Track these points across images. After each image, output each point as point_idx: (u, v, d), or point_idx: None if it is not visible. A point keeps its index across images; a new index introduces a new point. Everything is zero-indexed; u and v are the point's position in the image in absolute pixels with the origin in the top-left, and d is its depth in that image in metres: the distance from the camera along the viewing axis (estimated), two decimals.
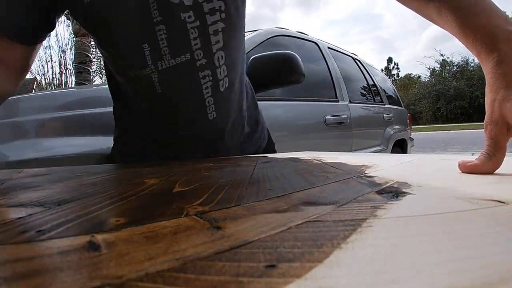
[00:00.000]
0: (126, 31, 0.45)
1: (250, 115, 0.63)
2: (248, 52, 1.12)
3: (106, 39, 0.48)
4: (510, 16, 0.35)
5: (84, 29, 0.48)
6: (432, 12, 0.37)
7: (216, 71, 0.48)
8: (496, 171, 0.29)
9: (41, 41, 0.51)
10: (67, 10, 0.49)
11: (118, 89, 0.55)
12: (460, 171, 0.30)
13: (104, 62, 0.55)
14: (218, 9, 0.45)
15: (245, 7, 0.52)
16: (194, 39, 0.45)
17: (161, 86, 0.47)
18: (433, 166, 0.35)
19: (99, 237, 0.13)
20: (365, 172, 0.31)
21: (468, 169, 0.29)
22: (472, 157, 0.31)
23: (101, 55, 0.52)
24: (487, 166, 0.29)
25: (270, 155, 0.58)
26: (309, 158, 0.48)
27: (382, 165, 0.36)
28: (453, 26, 0.35)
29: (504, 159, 0.29)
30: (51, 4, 0.46)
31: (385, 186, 0.23)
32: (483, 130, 0.31)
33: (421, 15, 0.40)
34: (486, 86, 0.31)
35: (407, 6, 0.42)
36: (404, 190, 0.22)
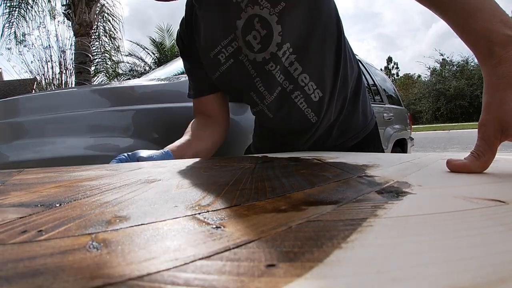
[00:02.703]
0: (241, 88, 0.67)
1: (363, 110, 0.72)
2: None
3: (231, 98, 0.76)
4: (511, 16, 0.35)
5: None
6: (439, 14, 0.39)
7: (304, 89, 0.63)
8: (496, 171, 0.29)
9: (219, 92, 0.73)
10: None
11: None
12: (448, 170, 0.30)
13: None
14: (287, 49, 0.59)
15: (320, 19, 0.60)
16: (279, 76, 0.62)
17: (271, 113, 0.66)
18: (433, 166, 0.35)
19: (100, 237, 0.13)
20: (365, 171, 0.31)
21: (456, 167, 0.30)
22: (461, 156, 0.31)
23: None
24: (475, 165, 0.29)
25: (270, 155, 0.58)
26: (310, 158, 0.48)
27: (382, 165, 0.36)
28: (456, 30, 0.36)
29: (504, 159, 0.29)
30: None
31: (385, 185, 0.23)
32: None
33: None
34: (483, 88, 0.32)
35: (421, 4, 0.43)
36: (404, 189, 0.22)
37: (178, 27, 0.74)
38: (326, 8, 0.61)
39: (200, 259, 0.11)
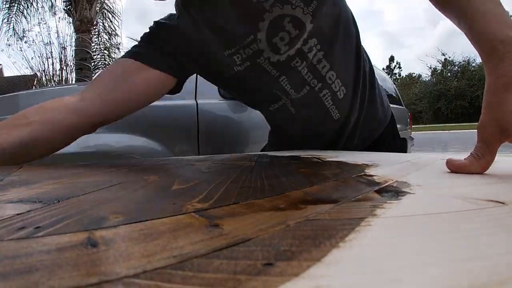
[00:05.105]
0: (259, 87, 0.62)
1: (380, 101, 0.72)
2: None
3: (243, 94, 0.69)
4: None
5: (230, 89, 0.70)
6: (444, 12, 0.40)
7: (331, 86, 0.61)
8: (496, 172, 0.29)
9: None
10: None
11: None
12: (448, 170, 0.30)
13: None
14: (314, 45, 0.57)
15: (341, 16, 0.60)
16: (306, 74, 0.59)
17: (294, 108, 0.63)
18: (433, 166, 0.35)
19: (98, 234, 0.13)
20: (365, 171, 0.31)
21: (455, 168, 0.29)
22: (461, 156, 0.31)
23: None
24: (475, 166, 0.29)
25: (270, 153, 0.58)
26: (309, 157, 0.48)
27: (382, 164, 0.36)
28: (462, 28, 0.37)
29: (504, 159, 0.29)
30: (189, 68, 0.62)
31: (384, 185, 0.23)
32: None
33: None
34: (485, 88, 0.31)
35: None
36: (403, 189, 0.22)
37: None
38: (344, 2, 0.62)
39: (197, 257, 0.11)
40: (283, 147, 0.72)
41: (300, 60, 0.58)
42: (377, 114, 0.71)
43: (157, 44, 0.59)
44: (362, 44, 0.68)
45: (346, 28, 0.61)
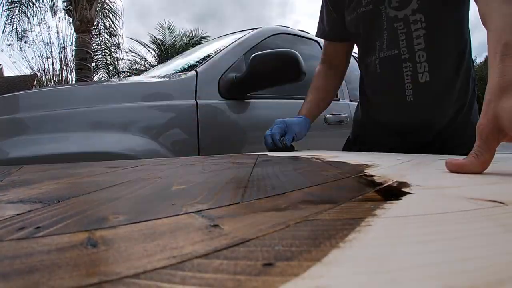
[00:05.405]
0: (370, 33, 0.71)
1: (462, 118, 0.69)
2: (249, 50, 1.12)
3: (358, 38, 0.76)
4: None
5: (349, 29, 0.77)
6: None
7: (416, 65, 0.65)
8: (496, 171, 0.29)
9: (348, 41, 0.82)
10: None
11: (363, 81, 0.80)
12: (448, 170, 0.30)
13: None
14: (419, 20, 0.63)
15: (454, 13, 0.64)
16: (402, 40, 0.65)
17: (380, 68, 0.70)
18: (433, 166, 0.35)
19: (98, 234, 0.13)
20: (365, 171, 0.31)
21: (455, 167, 0.29)
22: (460, 156, 0.31)
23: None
24: (474, 165, 0.29)
25: (270, 154, 0.58)
26: (309, 157, 0.48)
27: (382, 165, 0.36)
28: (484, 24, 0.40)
29: (504, 159, 0.29)
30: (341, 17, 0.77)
31: (384, 185, 0.23)
32: None
33: None
34: (486, 87, 0.31)
35: None
36: (403, 189, 0.22)
37: None
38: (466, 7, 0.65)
39: (197, 257, 0.11)
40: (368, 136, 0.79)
41: (403, 25, 0.64)
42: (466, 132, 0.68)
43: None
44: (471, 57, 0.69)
45: (457, 25, 0.65)
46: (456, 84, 0.66)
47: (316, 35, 0.86)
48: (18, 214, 0.17)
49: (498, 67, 0.31)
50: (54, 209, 0.18)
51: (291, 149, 0.75)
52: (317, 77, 0.86)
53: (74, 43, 5.14)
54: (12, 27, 6.46)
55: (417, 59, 0.64)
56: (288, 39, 1.41)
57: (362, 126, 0.83)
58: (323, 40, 0.89)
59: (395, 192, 0.21)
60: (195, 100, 0.92)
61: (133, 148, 0.78)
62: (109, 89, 0.90)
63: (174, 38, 11.02)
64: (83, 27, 4.66)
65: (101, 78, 9.42)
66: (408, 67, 0.65)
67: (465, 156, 0.30)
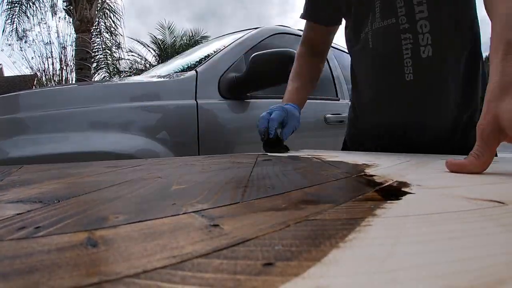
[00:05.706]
0: (363, 6, 0.62)
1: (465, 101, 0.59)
2: (249, 50, 1.12)
3: (349, 15, 0.66)
4: None
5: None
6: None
7: (418, 36, 0.55)
8: (496, 172, 0.29)
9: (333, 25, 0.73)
10: None
11: (354, 72, 0.72)
12: (448, 170, 0.30)
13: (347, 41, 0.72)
14: None
15: None
16: (399, 7, 0.56)
17: (372, 42, 0.61)
18: (433, 166, 0.35)
19: (98, 234, 0.13)
20: (365, 171, 0.31)
21: (455, 167, 0.30)
22: (460, 156, 0.31)
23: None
24: (475, 165, 0.29)
25: (269, 153, 0.58)
26: (309, 157, 0.48)
27: (382, 164, 0.36)
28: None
29: (504, 159, 0.29)
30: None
31: (384, 185, 0.23)
32: None
33: None
34: (487, 87, 0.31)
35: None
36: (403, 189, 0.22)
37: None
38: None
39: (197, 257, 0.11)
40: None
41: None
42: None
43: None
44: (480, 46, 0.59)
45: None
46: (460, 66, 0.56)
47: (302, 17, 0.75)
48: (18, 214, 0.17)
49: (499, 66, 0.31)
50: (54, 209, 0.18)
51: (285, 149, 0.64)
52: (300, 63, 0.77)
53: (74, 43, 5.15)
54: (12, 27, 6.47)
55: (419, 29, 0.55)
56: (288, 39, 1.41)
57: (353, 126, 0.77)
58: None
59: (395, 192, 0.21)
60: (195, 100, 0.92)
61: (133, 148, 0.78)
62: (109, 89, 0.90)
63: (174, 38, 11.02)
64: (83, 27, 4.66)
65: (103, 78, 9.42)
66: (408, 39, 0.56)
67: (465, 156, 0.30)
